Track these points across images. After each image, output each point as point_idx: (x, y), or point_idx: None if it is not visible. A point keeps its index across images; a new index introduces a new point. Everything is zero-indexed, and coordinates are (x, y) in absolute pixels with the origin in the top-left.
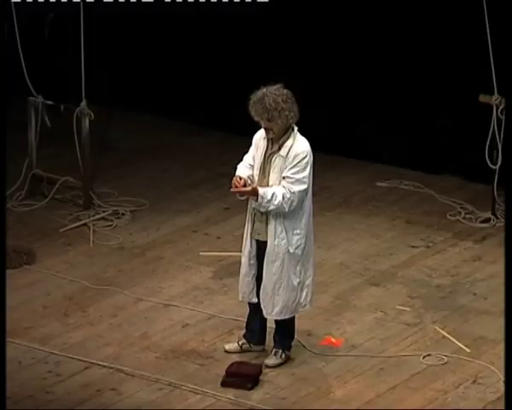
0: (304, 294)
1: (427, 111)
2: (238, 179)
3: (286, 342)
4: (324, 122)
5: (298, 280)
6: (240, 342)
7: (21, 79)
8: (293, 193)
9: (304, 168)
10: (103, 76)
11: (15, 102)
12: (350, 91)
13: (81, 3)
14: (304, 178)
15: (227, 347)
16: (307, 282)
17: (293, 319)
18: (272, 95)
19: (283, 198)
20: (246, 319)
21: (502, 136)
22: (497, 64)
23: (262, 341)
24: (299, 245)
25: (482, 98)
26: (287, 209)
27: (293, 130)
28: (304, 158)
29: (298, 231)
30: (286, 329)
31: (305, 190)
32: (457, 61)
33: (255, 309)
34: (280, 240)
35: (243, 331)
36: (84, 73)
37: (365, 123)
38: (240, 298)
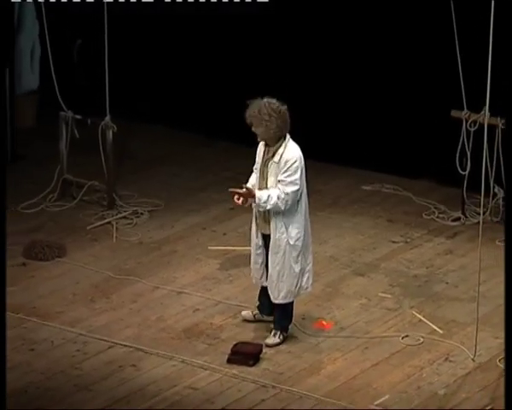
0: (305, 278)
1: (405, 123)
2: (239, 189)
3: (284, 324)
4: (315, 132)
5: (299, 268)
6: (253, 312)
7: (54, 97)
8: (287, 194)
9: (295, 171)
10: (124, 94)
11: (49, 117)
12: (339, 104)
13: (105, 33)
14: (296, 180)
15: (243, 313)
16: (307, 268)
17: (291, 303)
18: (261, 105)
19: (278, 199)
20: (258, 295)
21: (470, 145)
22: (466, 83)
23: (271, 313)
24: (299, 238)
25: (453, 113)
26: (282, 208)
27: (285, 138)
28: (294, 163)
29: (296, 226)
30: (285, 312)
31: (298, 191)
32: (432, 80)
33: (265, 290)
34: (280, 234)
35: (257, 303)
36: (108, 91)
37: (352, 133)
38: (253, 282)
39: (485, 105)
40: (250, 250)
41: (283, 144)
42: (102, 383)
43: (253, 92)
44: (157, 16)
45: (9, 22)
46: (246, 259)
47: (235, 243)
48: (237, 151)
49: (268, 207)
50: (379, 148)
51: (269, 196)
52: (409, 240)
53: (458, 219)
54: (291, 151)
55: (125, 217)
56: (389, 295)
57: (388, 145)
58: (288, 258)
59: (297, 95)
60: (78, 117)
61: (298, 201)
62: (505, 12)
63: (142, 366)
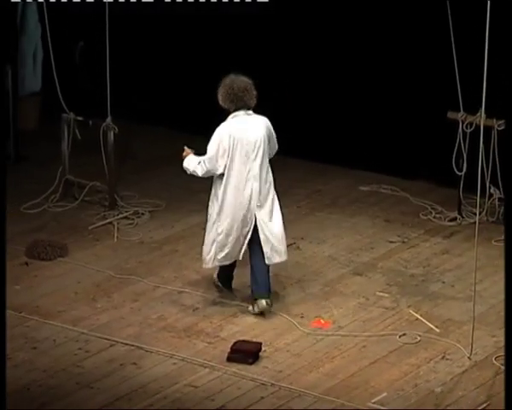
0: (213, 248)
1: (402, 125)
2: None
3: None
4: (315, 133)
5: (212, 238)
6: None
7: (56, 99)
8: (204, 161)
9: (211, 141)
10: (125, 95)
11: (51, 118)
12: (337, 106)
13: (107, 35)
14: (208, 148)
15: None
16: (218, 239)
17: (220, 269)
18: (228, 79)
19: (199, 164)
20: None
21: (467, 147)
22: (462, 84)
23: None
24: (214, 209)
25: (450, 115)
26: (199, 174)
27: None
28: (213, 135)
29: (215, 198)
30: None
31: (211, 159)
32: (429, 81)
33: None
34: (210, 203)
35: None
36: (110, 92)
37: (350, 135)
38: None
39: (481, 107)
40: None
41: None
42: (104, 380)
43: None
44: (158, 17)
45: (12, 25)
46: (245, 258)
47: None
48: None
49: (189, 171)
50: (377, 149)
51: (189, 161)
52: (406, 240)
53: (455, 219)
54: (220, 126)
55: (126, 217)
56: (386, 295)
57: (386, 146)
58: (207, 226)
59: (296, 96)
60: (80, 118)
61: (222, 175)
62: (502, 13)
63: (143, 364)
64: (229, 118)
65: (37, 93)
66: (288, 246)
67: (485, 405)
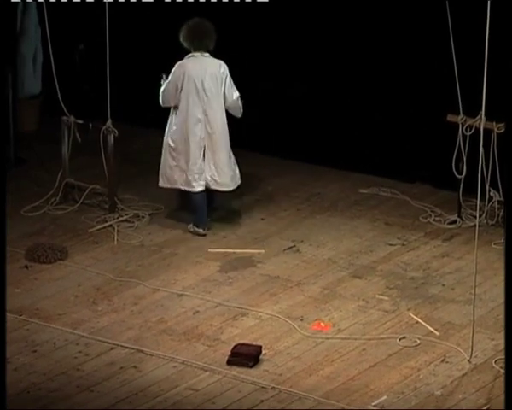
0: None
1: (402, 128)
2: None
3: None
4: (314, 136)
5: (174, 163)
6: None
7: (56, 101)
8: (162, 91)
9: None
10: (126, 98)
11: (51, 121)
12: (336, 108)
13: (107, 37)
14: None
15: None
16: (174, 164)
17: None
18: (191, 21)
19: (162, 92)
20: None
21: (466, 150)
22: (462, 87)
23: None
24: (172, 137)
25: (450, 118)
26: (161, 102)
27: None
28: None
29: (174, 126)
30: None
31: (163, 91)
32: (429, 84)
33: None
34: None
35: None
36: (110, 95)
37: (349, 137)
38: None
39: (480, 110)
40: (250, 252)
41: None
42: (104, 384)
43: (252, 94)
44: (158, 19)
45: (12, 28)
46: (245, 261)
47: (235, 246)
48: (237, 155)
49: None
50: (376, 152)
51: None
52: (406, 243)
53: (454, 222)
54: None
55: (126, 220)
56: (386, 298)
57: (385, 149)
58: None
59: (295, 99)
60: (80, 121)
61: (176, 108)
62: (502, 15)
63: (144, 367)
64: (186, 57)
65: (37, 96)
66: (287, 249)
67: (485, 408)
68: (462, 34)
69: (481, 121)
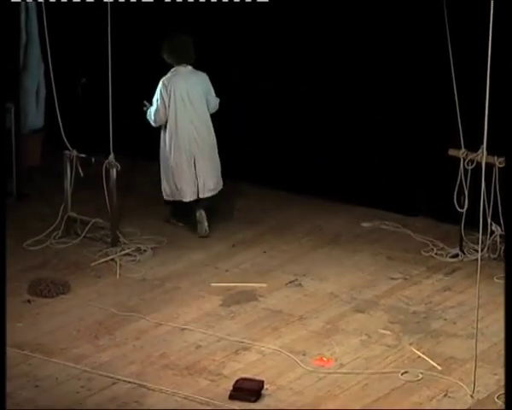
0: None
1: (404, 162)
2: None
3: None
4: (315, 169)
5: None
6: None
7: (58, 135)
8: (151, 112)
9: (155, 95)
10: (128, 132)
11: (53, 155)
12: (338, 141)
13: (109, 70)
14: (153, 101)
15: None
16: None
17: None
18: (173, 37)
19: (150, 113)
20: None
21: (468, 184)
22: (463, 122)
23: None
24: (163, 150)
25: (451, 152)
26: (152, 122)
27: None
28: (158, 86)
29: (162, 139)
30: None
31: (155, 110)
32: (430, 118)
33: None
34: None
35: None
36: (112, 129)
37: (351, 171)
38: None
39: (482, 144)
40: (252, 286)
41: None
42: None
43: (254, 121)
44: (159, 51)
45: (15, 62)
46: (248, 295)
47: (237, 280)
48: (239, 188)
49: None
50: (378, 185)
51: (148, 111)
52: (408, 277)
53: (456, 255)
54: (161, 80)
55: (128, 254)
56: (388, 332)
57: (387, 183)
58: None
59: (296, 131)
60: (83, 156)
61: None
62: (503, 50)
63: (146, 402)
64: (170, 72)
65: (39, 130)
66: (289, 283)
67: None
68: (464, 69)
69: (483, 156)
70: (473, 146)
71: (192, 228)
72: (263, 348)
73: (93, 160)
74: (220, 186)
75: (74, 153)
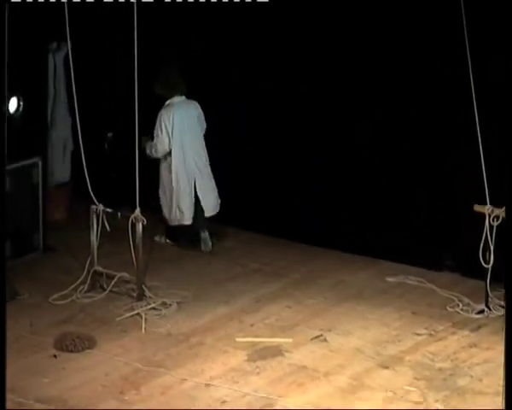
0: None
1: (429, 216)
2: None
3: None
4: (340, 224)
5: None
6: None
7: (85, 189)
8: (155, 144)
9: (156, 126)
10: (154, 186)
11: (80, 209)
12: (362, 196)
13: (136, 127)
14: (155, 133)
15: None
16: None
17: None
18: (164, 70)
19: (151, 147)
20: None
21: (494, 239)
22: (489, 177)
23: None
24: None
25: (477, 208)
26: (158, 155)
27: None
28: (157, 121)
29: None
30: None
31: (160, 142)
32: (456, 174)
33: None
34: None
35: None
36: (139, 184)
37: (376, 225)
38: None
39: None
40: (277, 341)
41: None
42: None
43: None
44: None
45: (43, 117)
46: (273, 350)
47: (262, 334)
48: (264, 241)
49: (152, 156)
50: (403, 239)
51: (149, 144)
52: (433, 332)
53: (482, 311)
54: (161, 111)
55: (153, 308)
56: (414, 389)
57: (413, 237)
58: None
59: (321, 185)
60: (109, 210)
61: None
62: None
63: None
64: (167, 103)
65: (66, 183)
66: (314, 338)
67: None
68: (490, 128)
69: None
70: (498, 202)
71: (214, 280)
72: (288, 405)
73: (119, 214)
74: (219, 207)
75: (101, 207)
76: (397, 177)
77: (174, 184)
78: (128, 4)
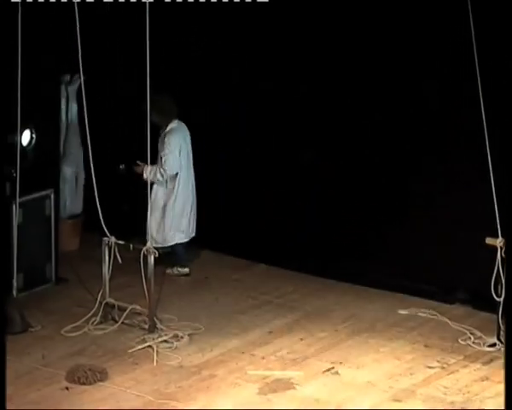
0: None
1: (441, 250)
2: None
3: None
4: (351, 257)
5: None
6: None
7: (97, 221)
8: (164, 170)
9: (170, 150)
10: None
11: (92, 241)
12: (373, 229)
13: (148, 158)
14: (169, 155)
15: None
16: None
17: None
18: (158, 99)
19: (159, 171)
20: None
21: (505, 272)
22: (500, 209)
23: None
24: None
25: (488, 241)
26: (162, 179)
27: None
28: (170, 144)
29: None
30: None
31: (174, 163)
32: (468, 206)
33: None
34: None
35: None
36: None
37: (388, 258)
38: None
39: None
40: (289, 374)
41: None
42: None
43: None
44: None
45: (55, 149)
46: (285, 383)
47: (274, 367)
48: (276, 274)
49: (150, 179)
50: (415, 273)
51: (149, 171)
52: (445, 365)
53: (494, 345)
54: (171, 135)
55: (165, 340)
56: None
57: (424, 270)
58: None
59: (330, 219)
60: (121, 242)
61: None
62: None
63: None
64: (170, 127)
65: (78, 215)
66: (326, 371)
67: None
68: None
69: None
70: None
71: (226, 313)
72: None
73: (131, 246)
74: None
75: (113, 239)
76: (407, 212)
77: (176, 205)
78: (140, 36)
